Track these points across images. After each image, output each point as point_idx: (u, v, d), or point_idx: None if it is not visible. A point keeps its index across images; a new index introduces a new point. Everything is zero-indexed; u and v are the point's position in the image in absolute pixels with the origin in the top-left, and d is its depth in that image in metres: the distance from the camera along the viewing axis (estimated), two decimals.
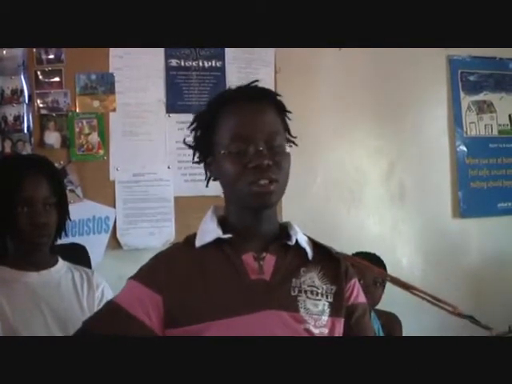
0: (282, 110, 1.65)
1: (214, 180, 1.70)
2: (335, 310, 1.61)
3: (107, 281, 2.35)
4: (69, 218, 2.30)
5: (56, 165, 2.83)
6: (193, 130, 1.71)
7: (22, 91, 3.04)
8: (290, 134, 1.67)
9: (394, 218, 3.77)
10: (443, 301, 1.59)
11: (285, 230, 1.67)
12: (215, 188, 3.39)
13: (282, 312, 1.56)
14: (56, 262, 2.26)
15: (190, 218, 3.24)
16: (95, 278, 2.29)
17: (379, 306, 3.12)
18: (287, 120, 1.67)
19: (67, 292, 2.21)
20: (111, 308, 1.61)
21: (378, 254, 3.31)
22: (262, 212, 1.61)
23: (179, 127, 3.29)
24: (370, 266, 1.75)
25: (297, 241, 1.64)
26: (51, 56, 3.11)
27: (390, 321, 3.17)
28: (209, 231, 1.64)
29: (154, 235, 3.24)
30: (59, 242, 2.35)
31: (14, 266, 2.16)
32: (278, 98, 1.68)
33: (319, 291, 1.61)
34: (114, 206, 3.20)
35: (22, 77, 3.05)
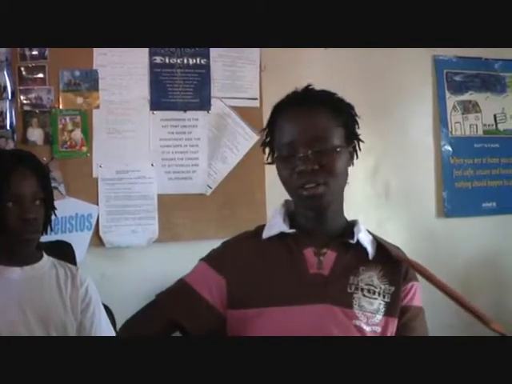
0: (339, 111, 1.71)
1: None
2: (391, 309, 1.67)
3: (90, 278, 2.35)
4: (54, 213, 2.30)
5: None
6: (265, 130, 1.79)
7: (5, 87, 3.02)
8: (352, 133, 1.74)
9: (379, 218, 3.76)
10: (481, 312, 1.63)
11: (350, 228, 1.74)
12: (199, 186, 3.41)
13: (336, 307, 1.63)
14: (40, 257, 2.26)
15: (173, 216, 3.25)
16: (79, 275, 2.29)
17: None
18: (351, 119, 1.75)
19: (50, 289, 2.21)
20: (180, 284, 1.75)
21: None
22: (318, 212, 1.70)
23: (163, 125, 3.28)
24: (418, 266, 1.76)
25: (358, 239, 1.70)
26: (35, 52, 3.08)
27: None
28: (275, 225, 1.74)
29: (137, 233, 3.23)
30: (45, 238, 2.35)
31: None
32: (335, 99, 1.76)
33: (376, 290, 1.67)
34: (97, 204, 3.18)
35: (6, 73, 3.03)
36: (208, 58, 3.37)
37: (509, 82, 4.17)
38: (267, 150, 1.76)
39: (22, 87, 3.08)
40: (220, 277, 1.70)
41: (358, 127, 1.78)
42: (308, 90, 1.75)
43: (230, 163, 3.39)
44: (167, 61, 3.31)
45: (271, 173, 3.35)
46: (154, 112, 3.28)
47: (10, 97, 3.03)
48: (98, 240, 3.18)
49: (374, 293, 1.66)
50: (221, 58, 3.40)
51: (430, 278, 1.72)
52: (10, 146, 3.00)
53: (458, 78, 4.03)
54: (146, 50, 3.27)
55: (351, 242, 1.70)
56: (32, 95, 3.09)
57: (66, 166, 3.12)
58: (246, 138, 3.41)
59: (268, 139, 1.75)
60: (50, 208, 2.25)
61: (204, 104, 3.35)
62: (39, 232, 2.20)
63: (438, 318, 3.60)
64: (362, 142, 1.79)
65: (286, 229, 1.71)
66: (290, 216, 1.76)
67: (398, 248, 1.80)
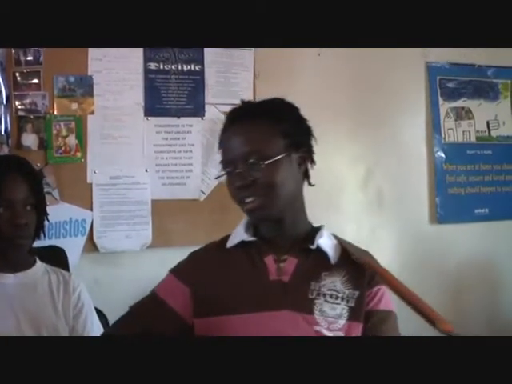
0: (277, 121, 1.72)
1: None
2: (355, 314, 1.67)
3: (83, 284, 2.35)
4: (47, 219, 2.30)
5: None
6: None
7: None
8: (296, 139, 1.75)
9: (372, 224, 3.78)
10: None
11: (313, 234, 1.76)
12: (192, 192, 3.41)
13: (296, 313, 1.64)
14: (33, 263, 2.26)
15: (167, 222, 3.26)
16: (72, 281, 2.29)
17: None
18: (294, 126, 1.76)
19: (42, 295, 2.21)
20: (150, 295, 1.79)
21: None
22: (269, 223, 1.74)
23: (157, 130, 3.29)
24: (382, 272, 1.74)
25: (319, 245, 1.72)
26: (30, 58, 3.09)
27: None
28: (237, 234, 1.78)
29: (131, 238, 3.23)
30: (38, 243, 2.36)
31: None
32: (275, 108, 1.77)
33: (340, 295, 1.68)
34: (91, 209, 3.18)
35: (0, 78, 3.03)
36: (202, 64, 3.38)
37: (502, 88, 4.19)
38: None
39: (16, 92, 3.08)
40: (185, 287, 1.74)
41: (308, 132, 1.83)
42: (244, 104, 1.79)
43: None
44: (161, 67, 3.31)
45: None
46: (149, 118, 3.29)
47: (4, 102, 3.03)
48: (91, 245, 3.18)
49: (337, 298, 1.67)
50: (215, 65, 3.41)
51: (390, 284, 1.69)
52: (5, 151, 2.99)
53: (451, 85, 4.04)
54: (141, 56, 3.28)
55: (311, 247, 1.71)
56: (27, 100, 3.09)
57: (61, 171, 3.12)
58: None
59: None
60: (41, 213, 2.25)
61: (198, 110, 3.36)
62: (30, 237, 2.20)
63: (425, 324, 3.65)
64: (311, 146, 1.83)
65: (246, 237, 1.74)
66: (255, 225, 1.78)
67: (366, 252, 1.80)
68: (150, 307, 1.77)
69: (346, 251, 1.75)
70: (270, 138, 1.69)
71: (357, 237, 3.64)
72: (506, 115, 4.18)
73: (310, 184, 1.85)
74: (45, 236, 2.34)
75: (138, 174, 3.25)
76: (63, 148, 3.13)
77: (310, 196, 3.56)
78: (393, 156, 3.84)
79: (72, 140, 3.15)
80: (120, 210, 3.21)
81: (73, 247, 3.03)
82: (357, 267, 1.72)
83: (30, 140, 3.09)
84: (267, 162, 1.66)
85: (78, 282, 2.31)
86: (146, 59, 3.29)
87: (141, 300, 1.83)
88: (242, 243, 1.75)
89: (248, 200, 1.66)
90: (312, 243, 1.72)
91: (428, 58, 3.96)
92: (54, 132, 3.12)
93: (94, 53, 3.18)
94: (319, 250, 1.72)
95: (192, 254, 1.84)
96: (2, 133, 3.02)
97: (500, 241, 4.08)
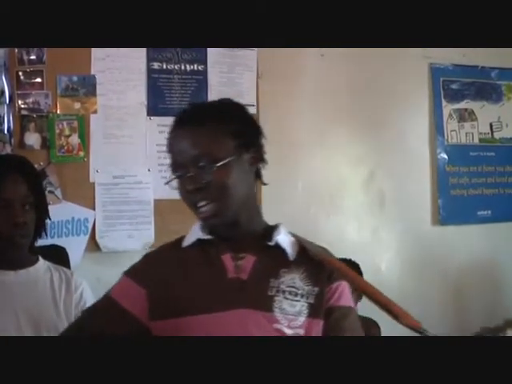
0: (225, 122, 1.67)
1: None
2: (315, 311, 1.64)
3: (86, 282, 2.35)
4: (48, 217, 2.31)
5: (36, 166, 2.82)
6: None
7: (2, 92, 3.04)
8: (246, 140, 1.68)
9: (374, 225, 3.78)
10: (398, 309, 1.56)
11: (270, 231, 1.71)
12: None
13: (255, 311, 1.60)
14: (36, 261, 2.27)
15: (169, 221, 3.25)
16: (75, 279, 2.29)
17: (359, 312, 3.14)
18: (243, 126, 1.69)
19: (44, 293, 2.21)
20: (104, 298, 1.72)
21: (357, 260, 3.32)
22: (224, 226, 1.68)
23: (160, 130, 3.28)
24: (341, 268, 1.71)
25: (277, 241, 1.68)
26: (33, 57, 3.10)
27: (368, 326, 3.18)
28: (194, 233, 1.72)
29: (133, 238, 3.24)
30: (39, 242, 2.36)
31: None
32: (223, 109, 1.71)
33: (299, 292, 1.64)
34: (94, 208, 3.19)
35: (3, 77, 3.04)
36: (205, 64, 3.39)
37: (505, 90, 4.19)
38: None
39: (19, 92, 3.09)
40: (141, 288, 1.67)
41: (258, 132, 1.75)
42: (192, 106, 1.75)
43: None
44: (165, 67, 3.33)
45: (267, 179, 3.40)
46: (151, 117, 3.30)
47: (7, 101, 3.04)
48: (94, 244, 3.19)
49: (297, 295, 1.64)
50: (218, 65, 3.42)
51: (351, 279, 1.69)
52: (7, 150, 3.01)
53: (454, 87, 4.05)
54: (144, 55, 3.29)
55: (270, 244, 1.68)
56: (30, 100, 3.10)
57: (63, 170, 3.13)
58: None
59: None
60: (42, 212, 2.25)
61: None
62: (29, 236, 2.20)
63: (426, 326, 3.65)
64: (261, 145, 1.74)
65: (203, 236, 1.69)
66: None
67: (324, 249, 1.76)
68: (104, 311, 1.70)
69: (304, 248, 1.71)
70: (219, 139, 1.65)
71: (359, 238, 3.70)
72: (509, 117, 4.18)
73: (263, 183, 1.79)
74: (46, 235, 2.34)
75: (140, 174, 3.26)
76: (66, 147, 3.14)
77: (312, 197, 3.59)
78: (395, 157, 3.84)
79: (75, 139, 3.16)
80: (122, 210, 3.22)
81: (75, 246, 3.04)
82: (315, 264, 1.69)
83: (32, 139, 3.10)
84: (218, 164, 1.61)
85: (80, 280, 2.31)
86: (149, 59, 3.30)
87: (94, 304, 1.78)
88: (199, 242, 1.69)
89: (201, 204, 1.62)
90: (270, 240, 1.68)
91: (431, 59, 3.96)
92: (57, 131, 3.13)
93: (97, 52, 3.19)
94: (277, 246, 1.68)
95: (147, 255, 1.79)
96: (5, 132, 3.03)
97: (502, 242, 4.08)
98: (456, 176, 4.02)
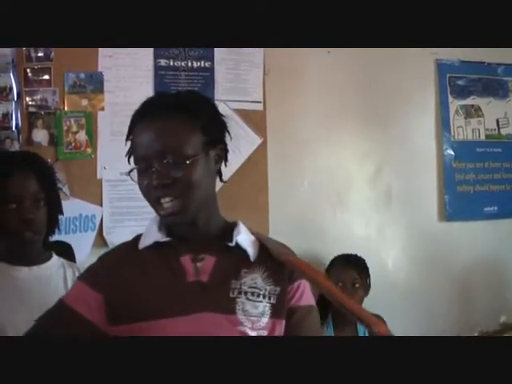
0: (195, 116, 1.62)
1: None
2: (277, 311, 1.62)
3: None
4: (61, 212, 2.32)
5: None
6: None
7: (10, 89, 3.05)
8: (214, 136, 1.65)
9: (380, 221, 3.78)
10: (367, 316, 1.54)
11: (230, 230, 1.68)
12: None
13: (218, 314, 1.57)
14: (49, 258, 2.28)
15: None
16: None
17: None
18: (211, 122, 1.65)
19: (56, 289, 2.21)
20: (59, 306, 1.66)
21: (363, 256, 3.34)
22: (184, 225, 1.64)
23: None
24: (301, 264, 1.68)
25: (237, 242, 1.65)
26: (40, 54, 3.11)
27: None
28: (150, 234, 1.68)
29: None
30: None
31: (6, 261, 2.18)
32: (192, 102, 1.65)
33: (261, 292, 1.62)
34: (101, 205, 3.21)
35: (11, 74, 3.05)
36: (212, 61, 3.40)
37: (511, 86, 4.17)
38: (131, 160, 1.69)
39: (27, 89, 3.11)
40: (96, 293, 1.61)
41: (224, 129, 1.69)
42: (160, 96, 1.71)
43: (233, 166, 3.39)
44: (171, 63, 3.33)
45: (274, 176, 3.40)
46: None
47: (15, 98, 3.06)
48: (101, 241, 3.20)
49: (259, 295, 1.61)
50: (225, 61, 3.43)
51: (312, 277, 1.65)
52: (15, 146, 3.02)
53: (460, 83, 4.04)
54: (151, 52, 3.30)
55: (230, 244, 1.64)
56: (37, 97, 3.12)
57: (71, 167, 3.15)
58: (250, 141, 3.42)
59: (130, 150, 1.68)
60: (54, 208, 2.26)
61: None
62: (41, 233, 2.22)
63: (432, 323, 3.66)
64: (226, 143, 1.70)
65: (160, 237, 1.65)
66: (167, 223, 1.69)
67: (284, 246, 1.73)
68: (59, 318, 1.63)
69: (265, 247, 1.68)
70: (188, 134, 1.60)
71: (365, 234, 3.70)
72: None
73: (222, 181, 1.74)
74: (59, 230, 2.34)
75: None
76: (73, 144, 3.16)
77: (319, 192, 3.60)
78: (402, 153, 3.84)
79: (82, 136, 3.17)
80: (129, 206, 3.22)
81: (83, 243, 3.06)
82: (276, 262, 1.66)
83: (40, 136, 3.12)
84: (188, 161, 1.57)
85: None
86: (156, 56, 3.31)
87: (48, 312, 1.69)
88: (156, 244, 1.64)
89: (164, 200, 1.58)
90: (230, 240, 1.64)
91: (437, 55, 3.96)
92: (65, 128, 3.15)
93: (104, 50, 3.20)
94: (237, 246, 1.65)
95: (102, 258, 1.72)
96: (13, 129, 3.04)
97: (509, 239, 4.07)
98: (462, 172, 4.01)
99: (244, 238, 1.67)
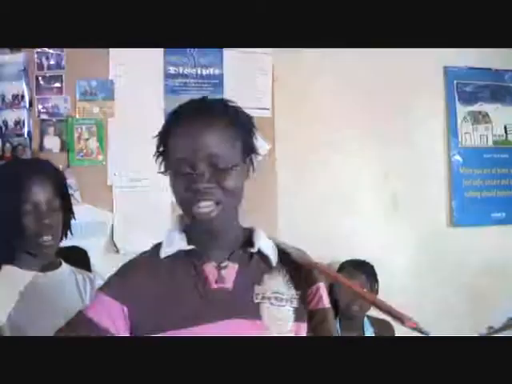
0: (237, 124, 1.61)
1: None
2: (300, 314, 1.62)
3: None
4: (74, 217, 2.34)
5: None
6: (156, 141, 1.69)
7: (22, 96, 3.09)
8: (251, 146, 1.64)
9: (388, 227, 3.80)
10: (397, 312, 1.54)
11: (249, 236, 1.67)
12: None
13: (244, 320, 1.57)
14: (60, 264, 2.29)
15: None
16: (97, 281, 2.31)
17: (373, 313, 3.16)
18: (249, 131, 1.65)
19: (71, 294, 2.23)
20: (80, 319, 1.62)
21: (371, 262, 3.35)
22: (211, 232, 1.61)
23: None
24: (320, 267, 1.70)
25: (259, 248, 1.64)
26: (52, 62, 3.16)
27: (384, 328, 3.20)
28: (172, 242, 1.65)
29: (151, 240, 3.24)
30: (61, 244, 2.39)
31: (22, 266, 2.19)
32: (233, 110, 1.63)
33: (284, 297, 1.62)
34: (112, 211, 3.24)
35: (23, 82, 3.10)
36: (221, 68, 3.43)
37: None
38: (160, 159, 1.67)
39: (39, 96, 3.15)
40: (120, 305, 1.58)
41: (256, 139, 1.67)
42: (205, 100, 1.65)
43: None
44: (181, 71, 3.37)
45: (283, 182, 3.42)
46: None
47: (27, 105, 3.10)
48: (112, 246, 3.23)
49: (282, 300, 1.61)
50: (234, 69, 3.45)
51: (336, 279, 1.70)
52: (27, 153, 3.06)
53: (468, 89, 4.06)
54: (161, 60, 3.33)
55: (252, 251, 1.63)
56: (49, 104, 3.16)
57: (82, 173, 3.18)
58: (258, 147, 3.43)
59: (161, 149, 1.66)
60: (67, 214, 2.30)
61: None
62: (58, 238, 2.22)
63: (440, 328, 3.66)
64: (259, 154, 1.68)
65: (183, 246, 1.62)
66: (187, 231, 1.66)
67: (300, 250, 1.72)
68: (81, 331, 1.59)
69: (283, 251, 1.68)
70: (232, 142, 1.58)
71: (374, 239, 3.71)
72: None
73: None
74: (72, 235, 2.36)
75: (157, 177, 3.27)
76: (84, 151, 3.19)
77: (327, 198, 3.62)
78: (410, 159, 3.86)
79: (93, 143, 3.21)
80: (140, 212, 3.26)
81: (94, 248, 3.08)
82: (295, 266, 1.66)
83: (52, 143, 3.15)
84: (231, 167, 1.55)
85: (101, 281, 2.33)
86: (166, 63, 3.34)
87: (67, 324, 1.65)
88: (179, 252, 1.62)
89: (204, 204, 1.53)
90: (251, 246, 1.63)
91: (445, 62, 3.97)
92: (76, 135, 3.19)
93: (115, 57, 3.24)
94: (258, 252, 1.63)
95: (123, 269, 1.67)
96: (25, 136, 3.08)
97: None
98: (470, 178, 4.03)
99: (265, 243, 1.66)
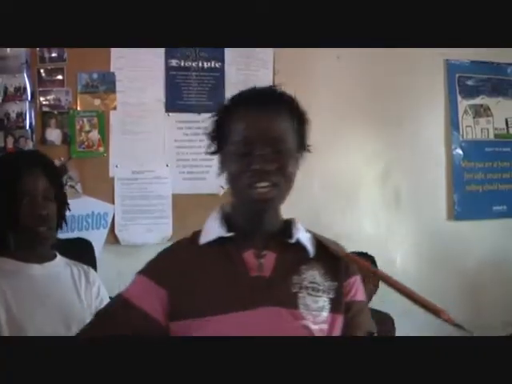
0: (296, 116, 1.66)
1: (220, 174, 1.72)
2: (336, 306, 1.64)
3: (105, 276, 2.41)
4: (68, 208, 2.35)
5: (57, 161, 2.90)
6: (212, 122, 1.71)
7: (24, 89, 3.10)
8: (303, 140, 1.69)
9: (390, 221, 3.81)
10: (432, 304, 1.59)
11: (288, 227, 1.70)
12: (212, 186, 3.45)
13: (281, 308, 1.58)
14: (55, 256, 2.30)
15: (187, 216, 3.29)
16: (92, 274, 2.32)
17: (373, 306, 3.17)
18: (304, 126, 1.69)
19: (67, 285, 2.24)
20: (120, 300, 1.67)
21: (373, 255, 3.35)
22: (262, 212, 1.64)
23: (178, 126, 3.36)
24: (358, 260, 1.74)
25: (298, 239, 1.67)
26: (54, 55, 3.17)
27: (383, 320, 3.21)
28: (212, 229, 1.68)
29: (152, 232, 3.29)
30: (64, 236, 2.40)
31: (18, 258, 2.20)
32: (295, 103, 1.69)
33: (320, 288, 1.64)
34: (113, 203, 3.25)
35: (25, 75, 3.11)
36: (222, 61, 3.44)
37: None
38: (211, 140, 1.70)
39: (41, 89, 3.16)
40: (160, 288, 1.62)
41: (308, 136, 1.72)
42: (273, 89, 1.70)
43: None
44: (183, 64, 3.38)
45: None
46: (170, 114, 3.36)
47: (29, 98, 3.11)
48: (113, 238, 3.25)
49: (318, 290, 1.63)
50: (235, 62, 3.47)
51: (373, 271, 1.73)
52: (29, 145, 3.07)
53: (469, 83, 4.06)
54: (162, 53, 3.34)
55: (290, 241, 1.66)
56: (51, 97, 3.18)
57: (83, 165, 3.20)
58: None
59: (218, 131, 1.69)
60: (62, 205, 2.29)
61: (218, 106, 3.38)
62: (53, 228, 2.22)
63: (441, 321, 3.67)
64: (309, 151, 1.73)
65: (223, 233, 1.65)
66: (227, 219, 1.70)
67: (336, 244, 1.75)
68: (120, 313, 1.64)
69: (321, 243, 1.71)
70: (292, 132, 1.64)
71: (375, 233, 3.72)
72: None
73: None
74: (66, 225, 2.36)
75: (158, 169, 3.32)
76: (86, 143, 3.21)
77: (329, 193, 3.62)
78: (411, 153, 3.87)
79: (95, 135, 3.22)
80: (141, 204, 3.28)
81: (95, 240, 3.08)
82: (332, 259, 1.69)
83: (53, 135, 3.17)
84: (291, 154, 1.62)
85: (95, 275, 2.34)
86: (168, 56, 3.35)
87: (107, 307, 1.74)
88: (218, 239, 1.65)
89: (261, 185, 1.57)
90: (290, 237, 1.66)
91: (447, 55, 3.97)
92: (77, 127, 3.20)
93: (116, 50, 3.25)
94: (297, 243, 1.66)
95: (163, 254, 1.71)
96: (27, 128, 3.09)
97: None
98: (471, 171, 4.04)
99: (303, 235, 1.69)
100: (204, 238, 1.67)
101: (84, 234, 3.03)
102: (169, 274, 1.63)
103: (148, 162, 3.30)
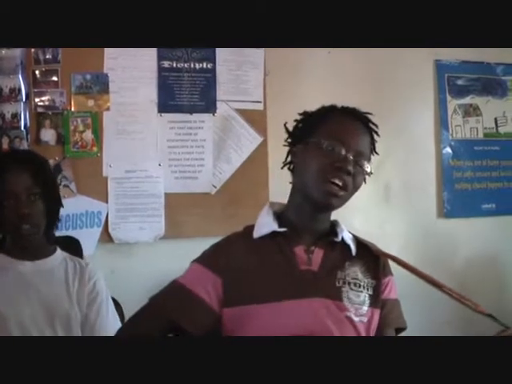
0: (373, 137, 1.85)
1: (290, 169, 1.88)
2: (374, 301, 1.78)
3: (101, 273, 2.42)
4: (61, 205, 2.38)
5: (51, 161, 2.94)
6: (304, 113, 1.90)
7: (19, 90, 3.14)
8: (370, 160, 1.84)
9: (380, 219, 3.83)
10: (466, 298, 1.79)
11: (333, 227, 1.85)
12: (204, 185, 3.46)
13: (327, 300, 1.72)
14: (53, 252, 2.32)
15: (179, 214, 3.35)
16: (89, 270, 2.35)
17: None
18: (374, 148, 1.87)
19: (58, 283, 2.28)
20: (175, 286, 1.78)
21: None
22: (325, 209, 1.79)
23: (170, 126, 3.39)
24: (398, 260, 1.87)
25: (343, 238, 1.81)
26: (48, 56, 3.20)
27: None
28: (266, 224, 1.81)
29: (145, 230, 3.33)
30: (57, 234, 2.43)
31: (10, 254, 2.24)
32: (374, 128, 1.88)
33: (361, 284, 1.78)
34: (107, 201, 3.28)
35: (20, 76, 3.14)
36: (214, 62, 3.46)
37: (510, 85, 4.21)
38: (293, 131, 1.89)
39: (35, 90, 3.20)
40: (216, 276, 1.73)
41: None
42: (357, 109, 1.87)
43: (235, 164, 3.48)
44: (175, 65, 3.40)
45: (275, 173, 3.46)
46: (162, 114, 3.38)
47: (24, 99, 3.14)
48: (107, 236, 3.28)
49: (360, 286, 1.77)
50: (226, 63, 3.49)
51: (413, 270, 1.86)
52: (24, 146, 3.11)
53: (459, 82, 4.08)
54: (155, 54, 3.37)
55: (336, 240, 1.80)
56: (45, 97, 3.21)
57: (77, 165, 3.23)
58: (250, 140, 3.50)
59: (304, 125, 1.86)
60: (52, 202, 2.31)
61: (210, 107, 3.45)
62: (38, 227, 2.25)
63: (435, 314, 3.70)
64: (371, 168, 1.87)
65: (277, 228, 1.78)
66: (278, 216, 1.83)
67: (374, 244, 1.91)
68: (177, 299, 1.75)
69: (362, 243, 1.86)
70: (369, 148, 1.84)
71: (364, 231, 3.72)
72: None
73: None
74: (66, 226, 2.38)
75: (151, 168, 3.35)
76: (80, 143, 3.24)
77: None
78: (401, 151, 3.88)
79: (88, 135, 3.26)
80: (134, 203, 3.31)
81: (89, 238, 3.14)
82: (372, 258, 1.84)
83: (48, 135, 3.21)
84: (367, 168, 1.79)
85: (94, 271, 2.37)
86: (160, 58, 3.38)
87: (163, 291, 1.80)
88: (271, 234, 1.78)
89: (337, 182, 1.71)
90: (336, 236, 1.81)
91: (436, 55, 4.00)
92: (72, 128, 3.24)
93: (109, 51, 3.28)
94: (342, 242, 1.81)
95: (217, 245, 1.83)
96: (22, 128, 3.13)
97: (507, 236, 4.10)
98: (460, 170, 4.06)
99: (347, 234, 1.85)
100: (257, 232, 1.81)
101: (78, 233, 3.05)
102: (224, 264, 1.75)
103: (141, 162, 3.34)
